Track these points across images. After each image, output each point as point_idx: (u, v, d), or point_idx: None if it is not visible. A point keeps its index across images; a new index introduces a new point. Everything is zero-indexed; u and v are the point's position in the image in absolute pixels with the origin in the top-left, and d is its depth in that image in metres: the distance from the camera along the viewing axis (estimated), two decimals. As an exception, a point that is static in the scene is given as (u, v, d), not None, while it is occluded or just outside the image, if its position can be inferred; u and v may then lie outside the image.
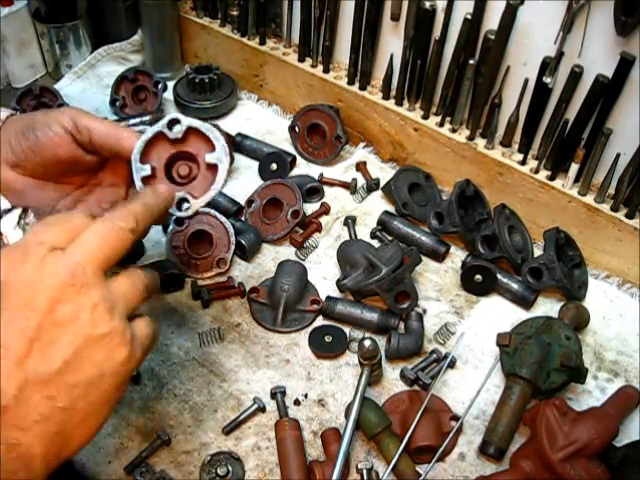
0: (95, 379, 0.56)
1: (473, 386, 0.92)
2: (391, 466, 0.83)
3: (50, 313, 0.54)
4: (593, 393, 0.94)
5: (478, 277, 1.04)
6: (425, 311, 1.03)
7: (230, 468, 0.83)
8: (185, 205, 0.73)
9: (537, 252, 1.10)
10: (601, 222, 1.04)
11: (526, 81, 1.04)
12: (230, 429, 0.88)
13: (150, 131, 0.73)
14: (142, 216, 0.64)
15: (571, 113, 1.01)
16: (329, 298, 1.01)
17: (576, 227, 1.07)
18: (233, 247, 1.06)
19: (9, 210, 0.69)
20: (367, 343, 0.86)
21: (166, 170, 0.74)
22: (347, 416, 0.86)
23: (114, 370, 0.57)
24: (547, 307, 1.04)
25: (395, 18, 1.12)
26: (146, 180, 0.73)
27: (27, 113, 0.79)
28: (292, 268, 1.02)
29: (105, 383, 0.57)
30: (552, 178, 1.07)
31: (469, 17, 1.02)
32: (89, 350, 0.55)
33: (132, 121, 1.25)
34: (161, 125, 0.72)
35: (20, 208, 0.70)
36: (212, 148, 0.73)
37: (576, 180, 1.05)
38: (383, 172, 1.23)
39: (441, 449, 0.85)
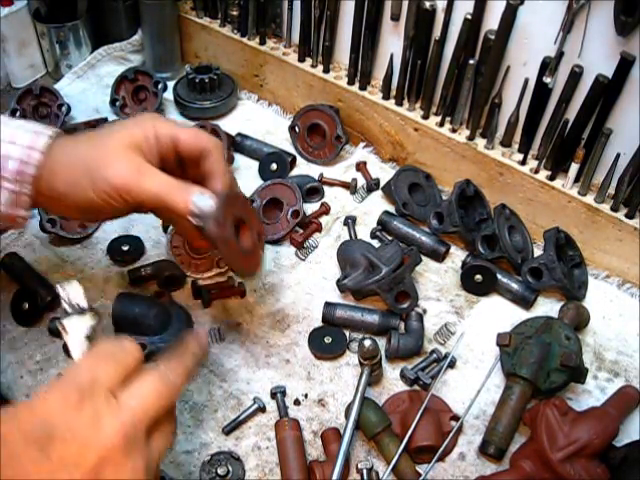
0: None
1: (473, 386, 0.92)
2: (391, 466, 0.83)
3: (95, 474, 0.51)
4: (593, 393, 0.94)
5: (478, 277, 1.04)
6: (425, 311, 1.02)
7: (230, 468, 0.83)
8: None
9: (537, 252, 1.10)
10: (601, 222, 1.04)
11: (526, 81, 1.04)
12: (230, 429, 0.88)
13: None
14: (192, 371, 0.63)
15: (571, 113, 1.01)
16: (327, 304, 1.00)
17: (576, 227, 1.07)
18: (233, 247, 1.06)
19: (83, 310, 0.67)
20: (367, 343, 0.86)
21: None
22: (347, 416, 0.86)
23: None
24: (547, 307, 1.04)
25: (395, 18, 1.12)
26: None
27: (78, 140, 0.77)
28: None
29: None
30: (552, 178, 1.07)
31: (469, 17, 1.02)
32: None
33: (132, 121, 1.26)
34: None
35: (95, 320, 0.67)
36: None
37: (576, 180, 1.05)
38: (383, 172, 1.23)
39: (441, 449, 0.84)
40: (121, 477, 0.52)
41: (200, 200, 0.72)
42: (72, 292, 0.66)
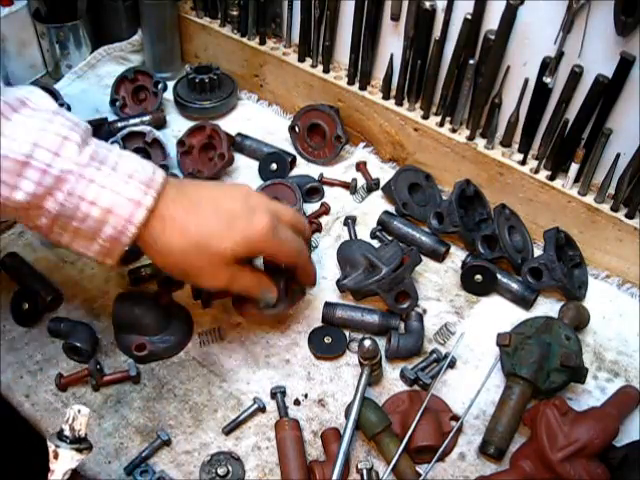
0: None
1: (473, 386, 0.92)
2: (391, 466, 0.83)
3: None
4: (593, 393, 0.94)
5: (478, 277, 1.04)
6: (425, 311, 1.02)
7: (230, 468, 0.83)
8: None
9: (537, 252, 1.10)
10: (601, 222, 1.04)
11: (526, 81, 1.04)
12: (230, 429, 0.88)
13: None
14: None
15: (571, 113, 1.01)
16: (327, 304, 1.00)
17: (576, 227, 1.07)
18: (233, 247, 1.06)
19: (79, 440, 0.67)
20: (367, 343, 0.86)
21: None
22: (347, 416, 0.86)
23: None
24: (547, 307, 1.04)
25: (395, 18, 1.12)
26: None
27: (195, 184, 0.90)
28: None
29: None
30: (552, 178, 1.07)
31: (469, 17, 1.02)
32: None
33: (132, 121, 1.26)
34: None
35: (87, 454, 0.67)
36: None
37: (576, 180, 1.05)
38: (383, 172, 1.23)
39: (441, 449, 0.84)
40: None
41: (266, 293, 0.90)
42: (79, 418, 0.66)
